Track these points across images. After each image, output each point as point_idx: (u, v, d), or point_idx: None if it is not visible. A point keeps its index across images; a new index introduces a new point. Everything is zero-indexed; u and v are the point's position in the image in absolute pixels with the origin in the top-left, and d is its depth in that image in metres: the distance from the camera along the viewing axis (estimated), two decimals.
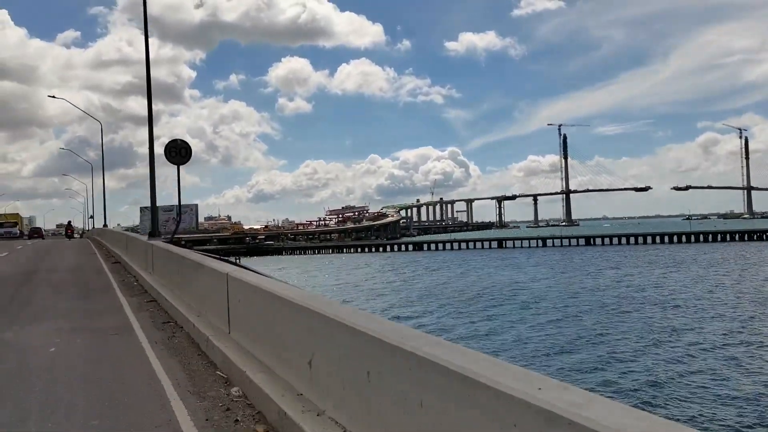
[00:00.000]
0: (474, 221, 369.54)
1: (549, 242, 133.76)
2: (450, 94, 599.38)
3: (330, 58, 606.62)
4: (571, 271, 72.80)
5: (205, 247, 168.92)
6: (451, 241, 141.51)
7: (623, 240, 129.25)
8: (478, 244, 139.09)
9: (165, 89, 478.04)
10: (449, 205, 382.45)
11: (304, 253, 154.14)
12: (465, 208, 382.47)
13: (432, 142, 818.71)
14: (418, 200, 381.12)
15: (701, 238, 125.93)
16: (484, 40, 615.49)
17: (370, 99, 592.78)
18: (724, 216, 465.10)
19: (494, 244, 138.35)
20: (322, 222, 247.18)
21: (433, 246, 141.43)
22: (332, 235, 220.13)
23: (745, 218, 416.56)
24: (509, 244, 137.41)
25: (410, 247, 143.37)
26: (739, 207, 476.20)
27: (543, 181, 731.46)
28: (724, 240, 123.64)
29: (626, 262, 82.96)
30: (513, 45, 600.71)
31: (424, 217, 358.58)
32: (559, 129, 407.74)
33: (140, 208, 29.73)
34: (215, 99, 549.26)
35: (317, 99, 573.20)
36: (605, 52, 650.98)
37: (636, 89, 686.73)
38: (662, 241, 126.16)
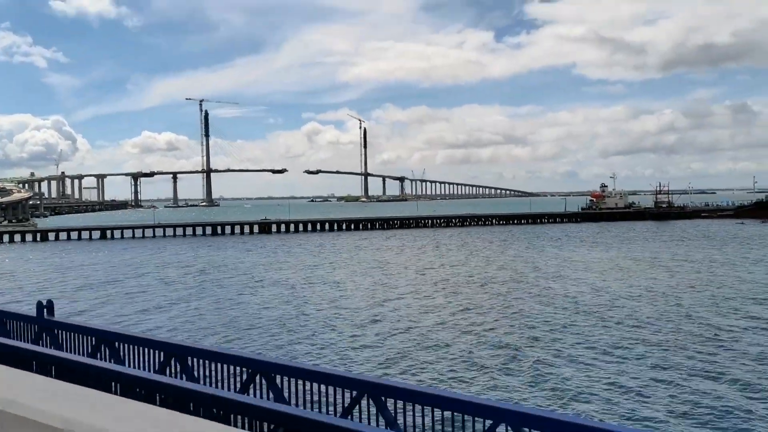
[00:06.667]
0: (106, 200, 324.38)
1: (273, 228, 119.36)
2: (56, 57, 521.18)
3: None
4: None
5: None
6: (153, 227, 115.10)
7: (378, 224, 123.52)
8: (189, 230, 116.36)
9: None
10: (77, 181, 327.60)
11: None
12: (96, 185, 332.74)
13: (31, 109, 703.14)
14: (32, 174, 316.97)
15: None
16: (97, 6, 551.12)
17: None
18: (344, 198, 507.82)
19: (208, 229, 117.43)
20: None
21: (128, 233, 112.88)
22: None
23: (363, 201, 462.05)
24: (227, 229, 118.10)
25: (96, 234, 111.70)
26: (342, 192, 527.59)
27: (158, 159, 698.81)
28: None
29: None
30: (129, 15, 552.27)
31: (45, 194, 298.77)
32: (201, 105, 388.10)
33: None
34: None
35: None
36: (224, 34, 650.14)
37: (252, 75, 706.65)
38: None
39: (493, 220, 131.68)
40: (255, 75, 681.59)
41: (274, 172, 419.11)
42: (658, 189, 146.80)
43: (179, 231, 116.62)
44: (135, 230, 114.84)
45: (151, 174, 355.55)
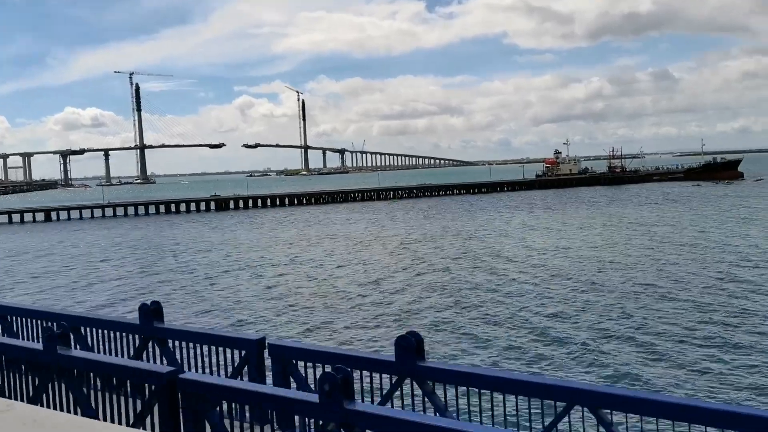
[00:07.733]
0: (34, 179, 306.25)
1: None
2: None
3: None
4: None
5: None
6: (102, 206, 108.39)
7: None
8: (141, 209, 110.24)
9: None
10: (1, 161, 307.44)
11: None
12: (22, 164, 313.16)
13: None
14: None
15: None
16: None
17: None
18: (284, 172, 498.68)
19: (161, 207, 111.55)
20: None
21: (75, 214, 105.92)
22: None
23: (303, 174, 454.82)
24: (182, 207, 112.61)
25: (40, 216, 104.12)
26: (279, 166, 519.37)
27: (84, 136, 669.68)
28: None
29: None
30: None
31: None
32: (131, 78, 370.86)
33: None
34: None
35: None
36: (148, 5, 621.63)
37: (179, 47, 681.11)
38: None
39: (455, 190, 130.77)
40: (182, 47, 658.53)
41: (211, 147, 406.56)
42: (611, 154, 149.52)
43: (130, 210, 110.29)
44: (82, 210, 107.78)
45: (82, 151, 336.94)
